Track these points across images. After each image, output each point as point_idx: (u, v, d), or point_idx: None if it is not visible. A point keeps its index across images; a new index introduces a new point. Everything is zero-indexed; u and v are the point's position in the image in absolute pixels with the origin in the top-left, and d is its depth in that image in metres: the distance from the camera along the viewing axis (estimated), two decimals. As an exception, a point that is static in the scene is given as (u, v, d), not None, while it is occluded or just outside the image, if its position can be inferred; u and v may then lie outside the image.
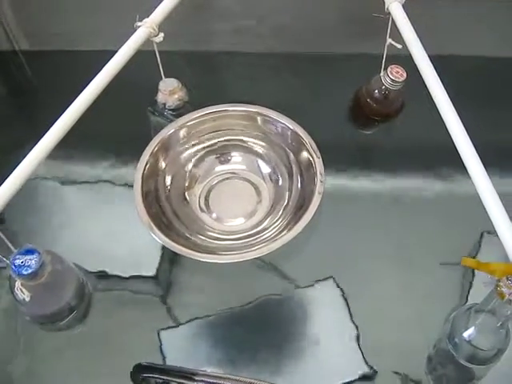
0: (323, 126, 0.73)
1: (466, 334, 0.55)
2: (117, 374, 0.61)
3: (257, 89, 0.76)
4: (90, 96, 0.61)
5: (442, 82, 0.62)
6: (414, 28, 0.66)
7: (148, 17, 0.67)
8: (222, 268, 0.66)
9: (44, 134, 0.58)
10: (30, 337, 0.64)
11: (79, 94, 0.61)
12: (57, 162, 0.77)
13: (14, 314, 0.64)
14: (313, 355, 0.62)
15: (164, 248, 0.69)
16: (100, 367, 0.62)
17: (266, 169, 0.75)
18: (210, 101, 0.75)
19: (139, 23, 0.65)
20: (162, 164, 0.72)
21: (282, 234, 0.65)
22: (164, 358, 0.61)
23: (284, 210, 0.70)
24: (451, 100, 0.61)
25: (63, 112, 0.60)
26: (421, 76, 0.64)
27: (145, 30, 0.65)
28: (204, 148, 0.75)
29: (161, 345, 0.62)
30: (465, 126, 0.58)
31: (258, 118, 0.74)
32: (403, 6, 0.68)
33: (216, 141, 0.75)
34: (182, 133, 0.74)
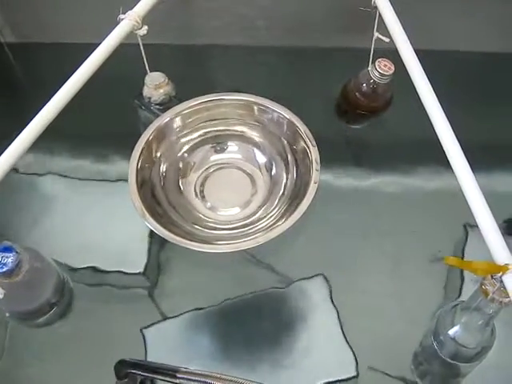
0: (311, 120, 0.72)
1: (451, 332, 0.55)
2: (100, 370, 0.59)
3: (244, 83, 0.76)
4: (71, 89, 0.60)
5: (430, 76, 0.62)
6: (401, 22, 0.66)
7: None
8: (210, 264, 0.67)
9: (28, 127, 0.58)
10: (9, 333, 0.63)
11: (64, 87, 0.61)
12: (42, 156, 0.77)
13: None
14: (300, 352, 0.62)
15: (152, 243, 0.68)
16: (82, 363, 0.61)
17: (261, 158, 0.74)
18: (197, 95, 0.74)
19: (122, 16, 0.64)
20: (157, 153, 0.72)
21: (278, 223, 0.65)
22: (147, 354, 0.61)
23: (279, 199, 0.70)
24: (439, 95, 0.60)
25: (47, 105, 0.60)
26: None
27: (128, 22, 0.64)
28: (199, 137, 0.75)
29: (145, 341, 0.62)
30: (453, 122, 0.58)
31: (255, 108, 0.74)
32: (390, 0, 0.67)
33: (211, 130, 0.75)
34: (178, 121, 0.73)
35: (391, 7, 0.66)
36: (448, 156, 0.56)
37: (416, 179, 0.75)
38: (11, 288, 0.56)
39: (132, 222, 0.69)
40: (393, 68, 0.72)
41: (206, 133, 0.75)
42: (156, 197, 0.69)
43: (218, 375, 0.56)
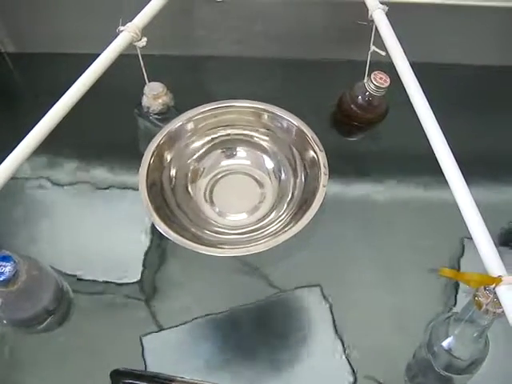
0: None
1: (444, 343, 0.55)
2: (97, 378, 0.60)
3: (242, 94, 0.75)
4: (70, 99, 0.60)
5: (425, 89, 0.62)
6: (397, 35, 0.66)
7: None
8: (208, 274, 0.67)
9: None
10: (6, 340, 0.63)
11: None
12: (41, 164, 0.77)
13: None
14: (296, 364, 0.62)
15: (149, 252, 0.69)
16: (79, 372, 0.61)
17: (270, 164, 0.75)
18: (196, 105, 0.74)
19: (122, 27, 0.65)
20: (168, 156, 0.73)
21: (287, 227, 0.65)
22: (145, 364, 0.61)
23: (288, 205, 0.71)
24: (434, 108, 0.60)
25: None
26: None
27: (127, 34, 0.64)
28: (210, 142, 0.76)
29: (143, 350, 0.62)
30: (448, 135, 0.58)
31: (264, 114, 0.74)
32: (387, 14, 0.68)
33: (222, 135, 0.76)
34: (189, 126, 0.74)
35: (387, 21, 0.67)
36: (442, 168, 0.56)
37: (412, 191, 0.75)
38: (8, 296, 0.56)
39: (130, 231, 0.70)
40: (388, 81, 0.73)
41: (215, 138, 0.76)
42: (166, 200, 0.70)
43: (213, 385, 0.57)
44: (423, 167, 0.72)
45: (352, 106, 0.77)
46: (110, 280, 0.67)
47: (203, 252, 0.63)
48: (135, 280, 0.67)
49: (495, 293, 0.48)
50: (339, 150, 0.71)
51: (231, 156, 0.76)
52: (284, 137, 0.74)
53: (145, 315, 0.65)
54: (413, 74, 0.63)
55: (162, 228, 0.64)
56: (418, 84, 0.62)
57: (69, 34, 0.85)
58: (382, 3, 0.69)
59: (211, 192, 0.74)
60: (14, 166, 0.56)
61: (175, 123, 0.73)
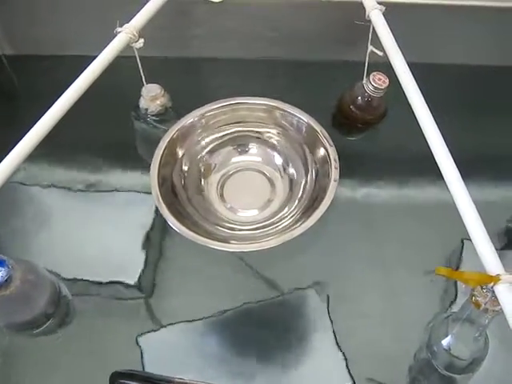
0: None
1: (444, 343, 0.55)
2: (97, 381, 0.60)
3: (240, 95, 0.75)
4: (67, 101, 0.60)
5: (423, 90, 0.62)
6: (395, 36, 0.66)
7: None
8: (206, 275, 0.67)
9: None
10: (4, 343, 0.63)
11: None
12: (38, 167, 0.77)
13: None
14: (295, 365, 0.62)
15: (148, 253, 0.69)
16: (79, 374, 0.61)
17: (280, 161, 0.76)
18: (195, 107, 0.75)
19: (119, 29, 0.64)
20: (180, 152, 0.73)
21: (299, 223, 0.65)
22: (144, 364, 0.61)
23: (299, 201, 0.71)
24: (433, 109, 0.60)
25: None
26: None
27: (124, 35, 0.64)
28: (220, 138, 0.76)
29: (141, 350, 0.62)
30: (446, 135, 0.58)
31: (276, 112, 0.75)
32: (384, 14, 0.68)
33: (233, 131, 0.76)
34: (201, 122, 0.75)
35: (384, 21, 0.67)
36: (440, 168, 0.56)
37: (411, 191, 0.75)
38: (2, 301, 0.56)
39: (128, 233, 0.70)
40: (387, 81, 0.72)
41: (226, 134, 0.76)
42: (177, 196, 0.71)
43: (214, 385, 0.57)
44: (422, 168, 0.72)
45: (351, 106, 0.77)
46: (108, 281, 0.67)
47: (215, 247, 0.63)
48: (134, 281, 0.67)
49: (493, 291, 0.47)
50: (338, 150, 0.70)
51: (242, 152, 0.77)
52: (294, 133, 0.75)
53: (144, 315, 0.65)
54: (410, 74, 0.63)
55: (174, 224, 0.65)
56: (415, 84, 0.62)
57: (66, 36, 0.85)
58: (379, 3, 0.69)
59: (222, 188, 0.74)
60: (11, 169, 0.56)
61: (187, 119, 0.74)
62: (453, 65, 0.85)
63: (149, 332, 0.63)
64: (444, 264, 0.67)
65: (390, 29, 0.67)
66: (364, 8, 0.69)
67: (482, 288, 0.48)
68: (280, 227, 0.68)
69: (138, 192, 0.74)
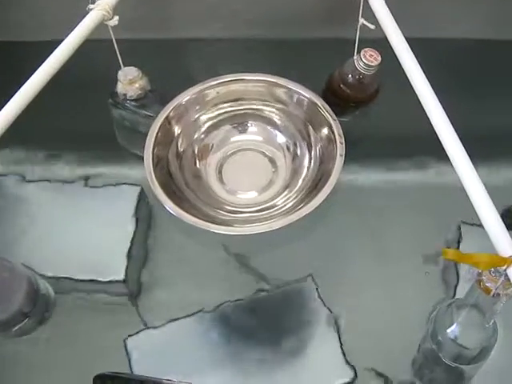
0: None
1: (449, 332, 0.53)
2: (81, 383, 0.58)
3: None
4: (38, 82, 0.57)
5: (422, 66, 0.60)
6: (389, 9, 0.64)
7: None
8: (195, 270, 0.66)
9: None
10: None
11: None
12: (14, 160, 0.75)
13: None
14: (292, 359, 0.60)
15: (133, 248, 0.67)
16: (60, 377, 0.60)
17: (282, 139, 0.74)
18: (175, 90, 0.73)
19: (91, 6, 0.62)
20: (176, 131, 0.72)
21: (304, 202, 0.64)
22: (131, 366, 0.60)
23: (303, 180, 0.70)
24: (432, 85, 0.58)
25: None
26: (397, 59, 0.61)
27: (97, 12, 0.61)
28: (219, 116, 0.75)
29: (128, 352, 0.61)
30: (447, 112, 0.56)
31: (276, 88, 0.74)
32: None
33: (232, 109, 0.75)
34: (197, 100, 0.73)
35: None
36: (444, 145, 0.54)
37: (405, 173, 0.73)
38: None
39: (113, 227, 0.69)
40: (379, 58, 0.70)
41: (225, 112, 0.75)
42: (172, 176, 0.69)
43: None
44: (417, 148, 0.73)
45: (341, 85, 0.75)
46: (92, 278, 0.65)
47: (214, 231, 0.62)
48: (120, 278, 0.65)
49: (506, 274, 0.45)
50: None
51: (242, 131, 0.75)
52: (296, 110, 0.73)
53: (130, 314, 0.63)
54: (408, 48, 0.61)
55: (169, 205, 0.63)
56: (414, 59, 0.60)
57: (36, 20, 0.83)
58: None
59: (221, 169, 0.73)
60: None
61: (183, 97, 0.72)
62: (452, 39, 0.84)
63: (136, 330, 0.62)
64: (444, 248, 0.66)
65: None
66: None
67: (490, 272, 0.46)
68: (284, 208, 0.67)
69: (122, 184, 0.73)
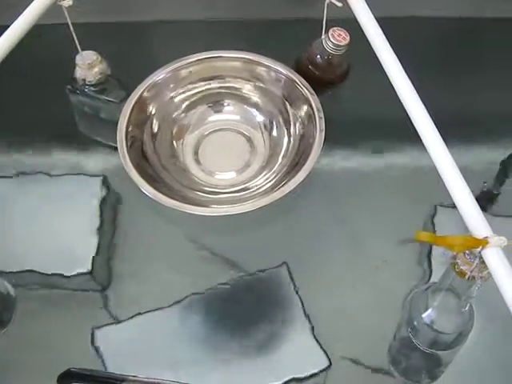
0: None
1: (425, 317, 0.52)
2: (46, 381, 0.57)
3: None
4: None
5: (395, 45, 0.58)
6: None
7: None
8: (165, 260, 0.65)
9: None
10: None
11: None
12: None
13: None
14: (265, 348, 0.59)
15: (100, 238, 0.66)
16: (25, 374, 0.58)
17: (260, 118, 0.74)
18: (137, 74, 0.72)
19: None
20: (150, 110, 0.71)
21: (288, 177, 0.64)
22: (103, 361, 0.58)
23: (282, 159, 0.70)
24: (405, 65, 0.57)
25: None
26: (367, 39, 0.60)
27: None
28: (195, 95, 0.74)
29: (97, 347, 0.59)
30: (420, 93, 0.55)
31: (252, 65, 0.73)
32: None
33: (208, 88, 0.74)
34: (172, 78, 0.72)
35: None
36: (417, 129, 0.53)
37: (379, 157, 0.72)
38: None
39: (77, 219, 0.68)
40: (348, 38, 0.70)
41: (201, 91, 0.74)
42: (147, 158, 0.68)
43: (172, 382, 0.54)
44: (391, 130, 0.73)
45: (310, 66, 0.74)
46: (57, 272, 0.64)
47: (193, 212, 0.61)
48: (86, 270, 0.64)
49: (481, 257, 0.44)
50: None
51: (219, 111, 0.74)
52: (273, 87, 0.73)
53: (98, 308, 0.62)
54: (378, 27, 0.59)
55: (145, 188, 0.63)
56: (384, 38, 0.58)
57: None
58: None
59: (198, 150, 0.72)
60: None
61: (157, 75, 0.71)
62: (423, 17, 0.83)
63: (106, 325, 0.61)
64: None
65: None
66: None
67: (465, 255, 0.45)
68: (265, 187, 0.66)
69: (85, 173, 0.71)
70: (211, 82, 0.74)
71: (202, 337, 0.60)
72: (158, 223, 0.67)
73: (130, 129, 0.67)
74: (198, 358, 0.59)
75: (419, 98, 0.55)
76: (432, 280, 0.62)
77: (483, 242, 0.43)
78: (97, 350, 0.59)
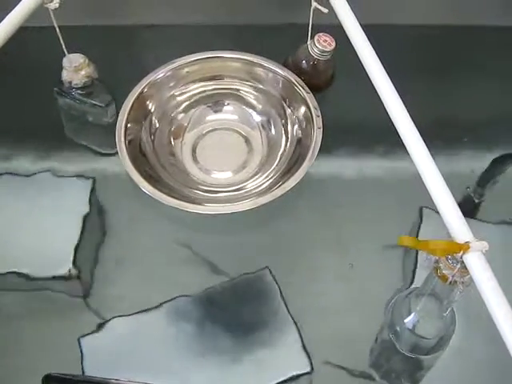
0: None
1: (407, 322, 0.53)
2: None
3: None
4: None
5: (379, 52, 0.59)
6: None
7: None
8: (149, 264, 0.64)
9: None
10: None
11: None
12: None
13: None
14: (248, 352, 0.59)
15: (82, 241, 0.65)
16: (6, 380, 0.58)
17: (258, 118, 0.74)
18: (124, 78, 0.72)
19: None
20: (149, 109, 0.72)
21: (287, 176, 0.65)
22: (84, 367, 0.57)
23: (280, 158, 0.70)
24: (389, 72, 0.58)
25: None
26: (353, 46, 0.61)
27: None
28: (194, 95, 0.75)
29: (79, 351, 0.58)
30: (405, 99, 0.56)
31: (251, 66, 0.74)
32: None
33: (208, 88, 0.75)
34: (172, 77, 0.73)
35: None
36: (401, 135, 0.53)
37: (363, 162, 0.72)
38: None
39: (62, 221, 0.67)
40: (333, 43, 0.70)
41: (201, 92, 0.75)
42: (146, 156, 0.69)
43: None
44: (375, 136, 0.73)
45: (295, 71, 0.73)
46: (38, 275, 0.63)
47: (189, 210, 0.61)
48: (69, 273, 0.63)
49: (462, 262, 0.44)
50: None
51: (217, 111, 0.75)
52: (271, 88, 0.73)
53: (81, 311, 0.61)
54: (363, 33, 0.60)
55: (144, 187, 0.63)
56: (369, 44, 0.59)
57: None
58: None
59: (195, 148, 0.72)
60: None
61: (157, 74, 0.71)
62: (414, 25, 0.83)
63: (88, 328, 0.60)
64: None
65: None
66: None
67: (447, 259, 0.45)
68: (264, 186, 0.67)
69: (70, 176, 0.70)
70: (211, 81, 0.74)
71: (186, 341, 0.59)
72: (143, 226, 0.67)
73: (128, 127, 0.67)
74: (181, 362, 0.58)
75: (403, 104, 0.55)
76: (415, 285, 0.61)
77: (464, 247, 0.43)
78: (79, 353, 0.58)
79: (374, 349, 0.59)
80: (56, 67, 0.70)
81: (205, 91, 0.74)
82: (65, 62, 0.69)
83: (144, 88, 0.70)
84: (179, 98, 0.74)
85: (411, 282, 0.62)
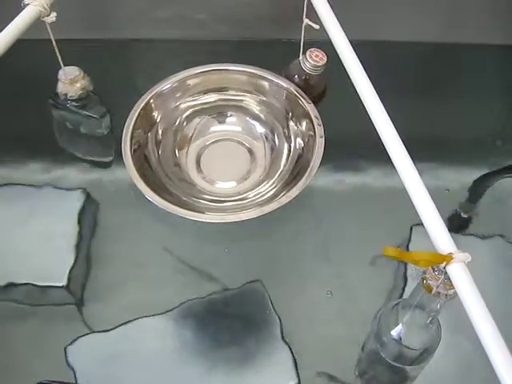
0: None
1: (393, 332, 0.53)
2: None
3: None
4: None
5: (370, 69, 0.59)
6: (334, 11, 0.63)
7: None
8: (141, 274, 0.64)
9: None
10: None
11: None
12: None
13: None
14: (239, 363, 0.59)
15: (78, 251, 0.65)
16: None
17: (262, 129, 0.76)
18: (120, 91, 0.74)
19: (27, 1, 0.59)
20: (155, 119, 0.73)
21: (286, 189, 0.65)
22: (75, 375, 0.57)
23: (282, 171, 0.71)
24: (378, 88, 0.58)
25: None
26: None
27: (33, 8, 0.59)
28: (198, 106, 0.76)
29: (70, 361, 0.58)
30: (393, 116, 0.56)
31: (257, 79, 0.75)
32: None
33: (212, 99, 0.76)
34: (178, 89, 0.74)
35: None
36: (388, 150, 0.54)
37: (355, 177, 0.73)
38: None
39: (56, 231, 0.67)
40: (325, 58, 0.71)
41: (205, 103, 0.76)
42: (150, 164, 0.70)
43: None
44: (366, 151, 0.72)
45: None
46: (33, 283, 0.63)
47: (191, 218, 0.62)
48: (62, 283, 0.63)
49: (446, 272, 0.44)
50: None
51: (222, 122, 0.76)
52: (275, 100, 0.75)
53: (73, 321, 0.61)
54: (352, 50, 0.60)
55: (148, 194, 0.64)
56: (358, 62, 0.59)
57: None
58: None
59: (199, 159, 0.73)
60: None
61: (163, 85, 0.73)
62: (396, 42, 0.84)
63: (80, 338, 0.60)
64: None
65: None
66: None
67: (434, 270, 0.45)
68: (267, 196, 0.68)
69: (63, 188, 0.71)
70: (215, 93, 0.76)
71: (176, 351, 0.60)
72: (136, 236, 0.67)
73: (134, 135, 0.68)
74: (170, 372, 0.59)
75: (390, 121, 0.55)
76: (404, 296, 0.62)
77: (447, 258, 0.44)
78: (71, 364, 0.58)
79: (361, 357, 0.59)
80: (52, 79, 0.71)
81: (210, 102, 0.76)
82: (61, 74, 0.70)
83: (150, 98, 0.71)
84: (184, 109, 0.75)
85: (401, 295, 0.63)
